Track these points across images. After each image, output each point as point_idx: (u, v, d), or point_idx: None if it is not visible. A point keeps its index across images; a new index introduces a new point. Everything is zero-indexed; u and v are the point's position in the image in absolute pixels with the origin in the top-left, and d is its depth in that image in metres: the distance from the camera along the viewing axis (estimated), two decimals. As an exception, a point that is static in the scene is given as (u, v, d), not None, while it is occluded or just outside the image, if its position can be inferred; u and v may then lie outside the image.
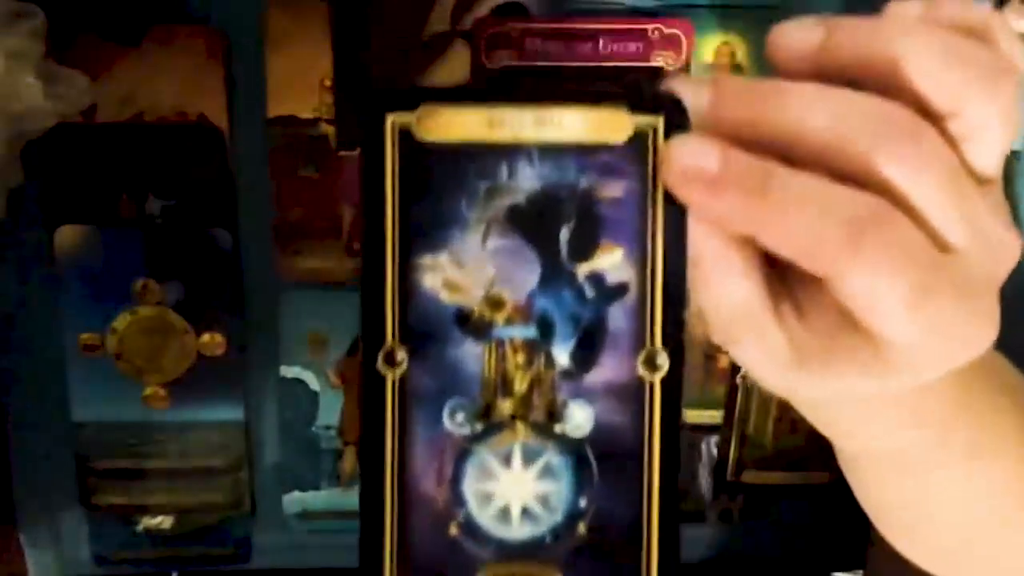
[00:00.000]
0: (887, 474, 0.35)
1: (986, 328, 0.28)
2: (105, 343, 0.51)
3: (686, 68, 0.49)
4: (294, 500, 0.55)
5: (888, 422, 0.33)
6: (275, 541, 0.56)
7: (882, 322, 0.26)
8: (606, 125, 0.27)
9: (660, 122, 0.27)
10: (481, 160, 0.27)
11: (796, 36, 0.28)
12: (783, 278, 0.29)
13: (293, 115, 0.49)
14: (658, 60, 0.49)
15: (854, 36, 0.27)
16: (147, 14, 0.48)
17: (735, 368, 0.54)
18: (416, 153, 0.27)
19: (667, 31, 0.48)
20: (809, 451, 0.56)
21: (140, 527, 0.55)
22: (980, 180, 0.27)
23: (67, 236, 0.50)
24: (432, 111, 0.27)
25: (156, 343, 0.51)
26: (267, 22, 0.48)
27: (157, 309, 0.51)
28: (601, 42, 0.48)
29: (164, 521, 0.55)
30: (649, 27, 0.48)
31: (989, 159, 0.27)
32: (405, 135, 0.27)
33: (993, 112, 0.26)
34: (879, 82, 0.27)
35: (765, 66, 0.29)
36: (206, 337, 0.52)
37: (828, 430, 0.34)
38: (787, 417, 0.55)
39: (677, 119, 0.27)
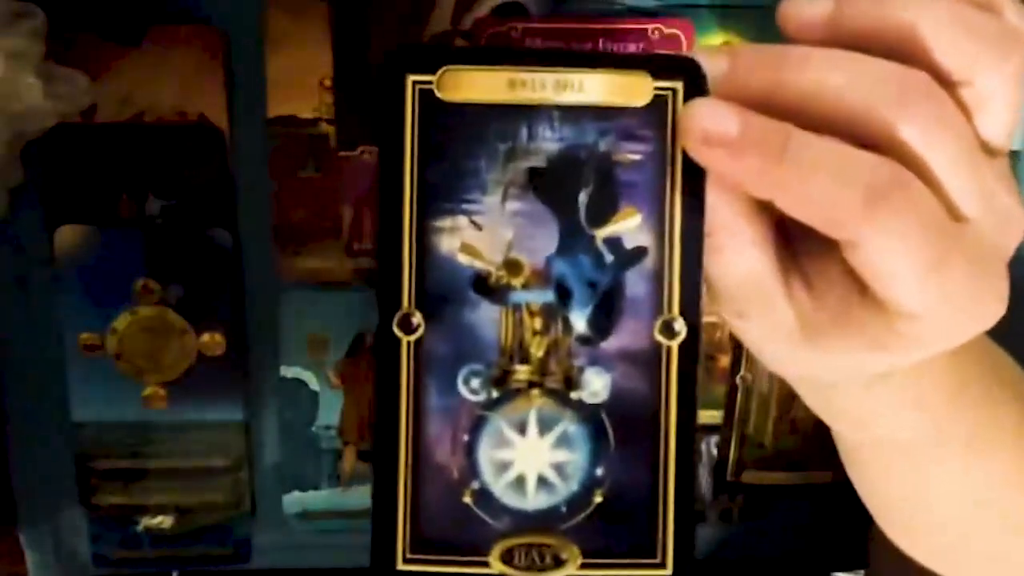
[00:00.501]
0: (888, 466, 0.36)
1: (995, 300, 0.28)
2: (105, 343, 0.51)
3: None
4: (294, 500, 0.55)
5: (889, 411, 0.33)
6: (275, 541, 0.56)
7: (895, 289, 0.26)
8: (627, 89, 0.27)
9: (680, 86, 0.27)
10: (501, 121, 0.27)
11: (807, 6, 0.28)
12: (793, 252, 0.29)
13: (293, 115, 0.49)
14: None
15: (865, 5, 0.27)
16: (147, 14, 0.48)
17: (735, 368, 0.54)
18: (436, 113, 0.27)
19: (667, 31, 0.48)
20: (809, 451, 0.56)
21: (140, 527, 0.55)
22: (989, 151, 0.27)
23: (67, 236, 0.50)
24: (453, 71, 0.27)
25: (156, 343, 0.51)
26: (267, 22, 0.48)
27: (157, 309, 0.51)
28: (601, 42, 0.48)
29: (164, 521, 0.55)
30: (649, 27, 0.48)
31: (998, 129, 0.27)
32: (425, 95, 0.27)
33: (1003, 81, 0.27)
34: (890, 52, 0.27)
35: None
36: (206, 337, 0.52)
37: (830, 417, 0.34)
38: (787, 417, 0.55)
39: (696, 84, 0.27)
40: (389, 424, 0.27)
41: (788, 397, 0.55)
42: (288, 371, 0.53)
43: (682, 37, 0.48)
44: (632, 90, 0.27)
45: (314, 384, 0.53)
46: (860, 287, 0.27)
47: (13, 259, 0.51)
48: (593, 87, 0.27)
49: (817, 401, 0.34)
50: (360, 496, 0.55)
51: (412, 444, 0.27)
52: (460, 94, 0.27)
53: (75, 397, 0.52)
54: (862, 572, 0.58)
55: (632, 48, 0.49)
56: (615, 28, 0.48)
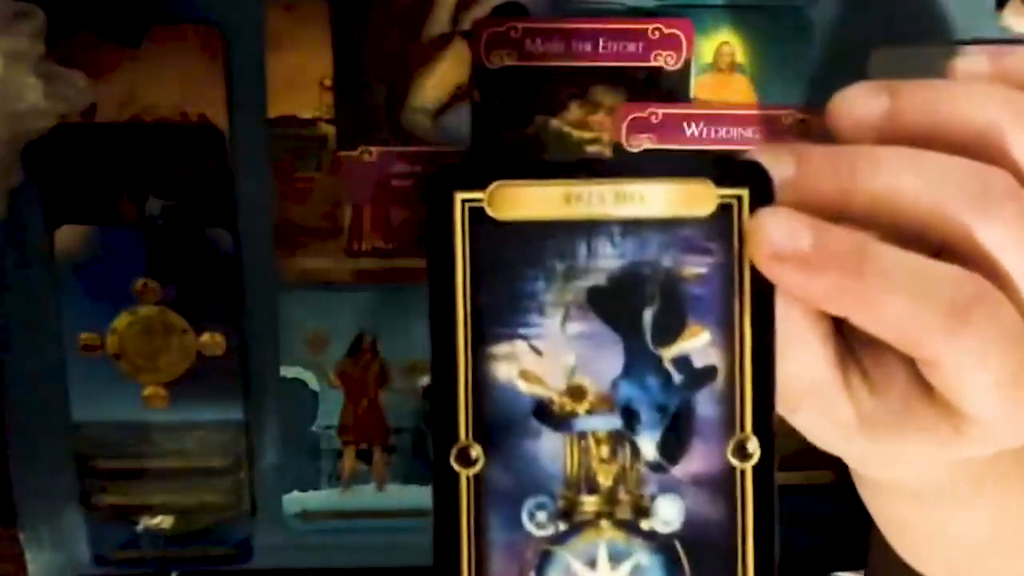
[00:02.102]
0: (913, 503, 0.35)
1: None
2: (105, 343, 0.51)
3: (686, 68, 0.49)
4: (294, 500, 0.55)
5: (923, 463, 0.32)
6: (275, 541, 0.56)
7: (971, 402, 0.25)
8: (689, 198, 0.25)
9: (745, 194, 0.25)
10: (558, 239, 0.25)
11: (860, 102, 0.26)
12: (851, 346, 0.28)
13: (293, 115, 0.49)
14: (658, 60, 0.49)
15: (929, 101, 0.26)
16: (147, 14, 0.48)
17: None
18: (488, 233, 0.25)
19: (667, 31, 0.48)
20: (809, 451, 0.55)
21: (140, 527, 0.55)
22: None
23: (67, 236, 0.50)
24: (505, 187, 0.25)
25: (156, 343, 0.51)
26: (267, 22, 0.48)
27: (157, 309, 0.51)
28: (601, 42, 0.48)
29: (164, 521, 0.55)
30: (649, 27, 0.48)
31: None
32: (476, 214, 0.25)
33: None
34: (951, 150, 0.25)
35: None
36: (206, 337, 0.52)
37: (861, 468, 0.33)
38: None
39: (762, 190, 0.25)
40: (451, 563, 0.26)
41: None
42: (288, 371, 0.53)
43: (682, 37, 0.48)
44: (695, 199, 0.25)
45: (314, 384, 0.53)
46: (924, 385, 0.26)
47: (13, 259, 0.51)
48: (654, 198, 0.25)
49: (847, 455, 0.33)
50: (360, 496, 0.55)
51: None
52: (513, 211, 0.25)
53: (75, 397, 0.52)
54: (862, 572, 0.58)
55: (631, 48, 0.49)
56: (615, 28, 0.48)
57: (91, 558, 0.55)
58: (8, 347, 0.52)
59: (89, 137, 0.49)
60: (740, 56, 0.49)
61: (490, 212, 0.25)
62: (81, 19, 0.47)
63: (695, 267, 0.26)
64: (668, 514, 0.26)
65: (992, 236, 0.25)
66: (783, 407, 0.28)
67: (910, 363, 0.27)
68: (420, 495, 0.55)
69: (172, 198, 0.50)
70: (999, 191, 0.25)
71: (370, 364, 0.53)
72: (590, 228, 0.25)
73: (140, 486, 0.54)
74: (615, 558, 0.26)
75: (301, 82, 0.49)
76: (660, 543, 0.26)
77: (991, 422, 0.26)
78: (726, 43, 0.49)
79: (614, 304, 0.26)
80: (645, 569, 0.26)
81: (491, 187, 0.25)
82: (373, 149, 0.50)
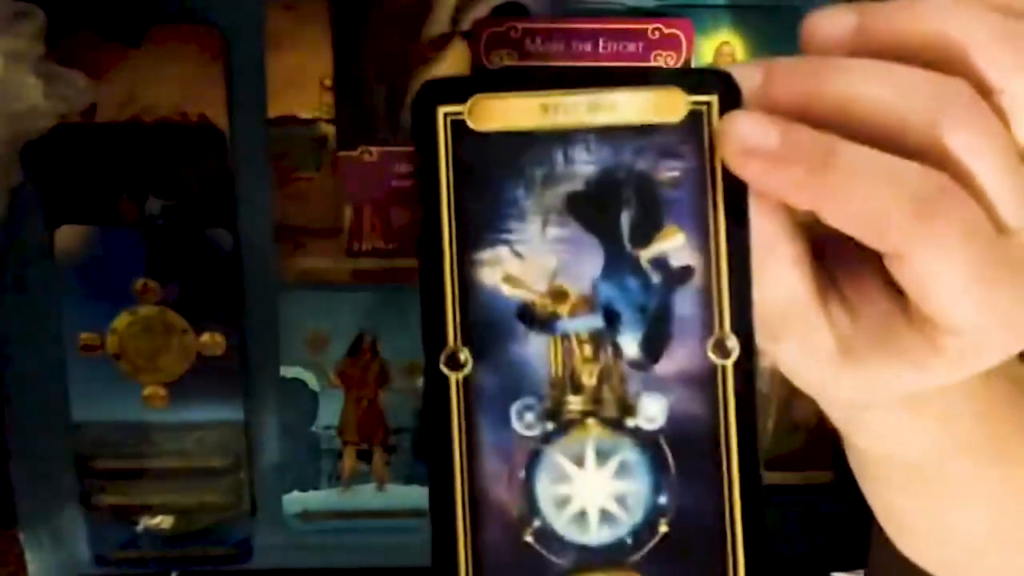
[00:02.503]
0: (905, 480, 0.35)
1: None
2: (105, 343, 0.51)
3: (686, 68, 0.49)
4: (294, 500, 0.55)
5: (920, 429, 0.32)
6: (275, 541, 0.56)
7: (940, 302, 0.26)
8: (661, 106, 0.27)
9: (715, 99, 0.26)
10: (536, 147, 0.26)
11: (830, 20, 0.27)
12: (830, 273, 0.29)
13: (293, 115, 0.49)
14: (658, 60, 0.49)
15: (892, 18, 0.27)
16: (147, 14, 0.48)
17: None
18: (470, 144, 0.26)
19: (667, 31, 0.48)
20: (809, 451, 0.56)
21: (140, 527, 0.55)
22: None
23: (67, 236, 0.50)
24: (484, 100, 0.26)
25: (156, 343, 0.51)
26: (267, 22, 0.48)
27: (157, 309, 0.51)
28: (601, 42, 0.48)
29: (164, 521, 0.55)
30: (649, 27, 0.48)
31: None
32: (457, 126, 0.26)
33: None
34: (918, 61, 0.26)
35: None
36: (206, 337, 0.52)
37: (856, 436, 0.34)
38: (787, 417, 0.55)
39: (731, 97, 0.26)
40: (443, 466, 0.26)
41: (788, 397, 0.55)
42: (288, 371, 0.53)
43: (682, 37, 0.48)
44: (666, 107, 0.27)
45: (314, 384, 0.53)
46: (901, 305, 0.27)
47: (13, 259, 0.51)
48: (627, 107, 0.26)
49: (842, 419, 0.33)
50: (360, 496, 0.55)
51: (468, 484, 0.26)
52: (492, 123, 0.26)
53: (75, 397, 0.52)
54: (862, 572, 0.58)
55: (631, 48, 0.49)
56: (615, 28, 0.48)
57: (91, 558, 0.55)
58: (8, 347, 0.52)
59: (89, 137, 0.49)
60: (740, 56, 0.49)
61: (471, 124, 0.26)
62: (81, 19, 0.47)
63: (669, 171, 0.27)
64: (652, 411, 0.27)
65: (953, 143, 0.25)
66: (764, 337, 0.28)
67: (887, 285, 0.27)
68: (420, 495, 0.55)
69: (172, 198, 0.50)
70: (959, 100, 0.25)
71: (370, 364, 0.53)
72: (566, 137, 0.26)
73: (140, 486, 0.54)
74: (602, 455, 0.27)
75: (301, 82, 0.49)
76: (645, 440, 0.27)
77: (965, 332, 0.26)
78: (726, 43, 0.49)
79: (591, 208, 0.27)
80: (631, 465, 0.27)
81: (471, 100, 0.26)
82: (373, 149, 0.50)
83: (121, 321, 0.51)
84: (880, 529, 0.39)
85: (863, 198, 0.25)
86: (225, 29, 0.48)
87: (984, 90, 0.26)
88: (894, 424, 0.32)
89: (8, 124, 0.43)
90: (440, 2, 0.48)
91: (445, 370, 0.27)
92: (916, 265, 0.26)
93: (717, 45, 0.49)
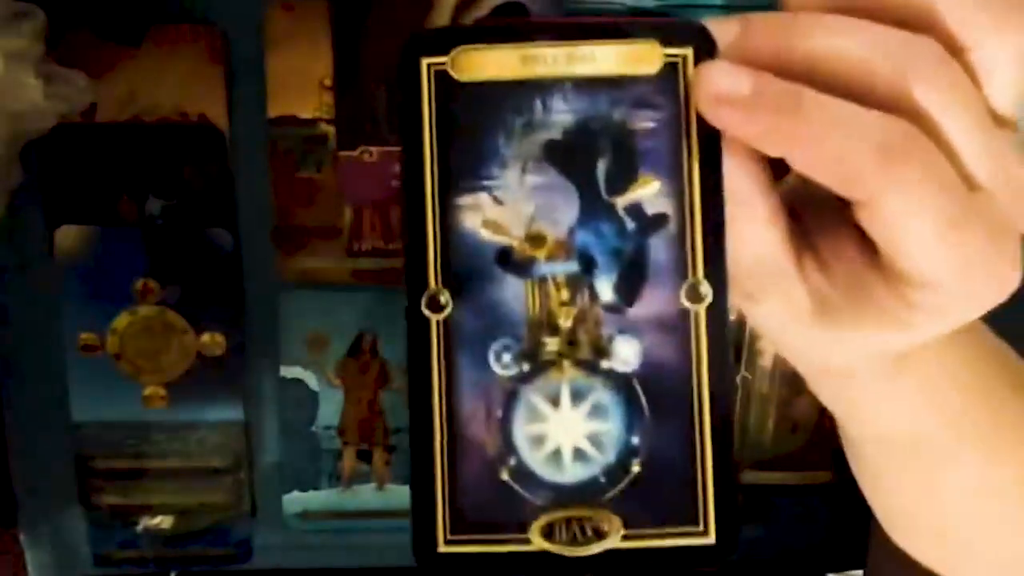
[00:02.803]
0: (898, 464, 0.35)
1: (1011, 269, 0.27)
2: (105, 343, 0.51)
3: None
4: (294, 500, 0.55)
5: (907, 407, 0.33)
6: (275, 541, 0.56)
7: (909, 253, 0.26)
8: (637, 58, 0.27)
9: (690, 52, 0.27)
10: (516, 97, 0.27)
11: None
12: (804, 231, 0.29)
13: (293, 115, 0.49)
14: (658, 60, 0.49)
15: None
16: (147, 14, 0.48)
17: (735, 368, 0.54)
18: (452, 93, 0.27)
19: (667, 31, 0.48)
20: (809, 451, 0.56)
21: (140, 527, 0.55)
22: (999, 120, 0.27)
23: (67, 236, 0.50)
24: (466, 51, 0.27)
25: (156, 343, 0.51)
26: (267, 22, 0.48)
27: (157, 309, 0.51)
28: (601, 42, 0.48)
29: (164, 521, 0.55)
30: (649, 27, 0.48)
31: (1007, 97, 0.27)
32: (440, 76, 0.27)
33: (1012, 47, 0.26)
34: (893, 21, 0.27)
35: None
36: (206, 337, 0.52)
37: (841, 412, 0.34)
38: (787, 417, 0.55)
39: (706, 50, 0.27)
40: (423, 404, 0.27)
41: (788, 397, 0.55)
42: (288, 371, 0.53)
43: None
44: (642, 59, 0.27)
45: (314, 384, 0.53)
46: (873, 261, 0.27)
47: (13, 259, 0.51)
48: (604, 58, 0.27)
49: (829, 395, 0.34)
50: (360, 496, 0.55)
51: (447, 423, 0.27)
52: (474, 73, 0.27)
53: (75, 397, 0.52)
54: (862, 572, 0.58)
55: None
56: (615, 28, 0.48)
57: (91, 558, 0.55)
58: (8, 347, 0.52)
59: (89, 137, 0.49)
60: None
61: (453, 74, 0.27)
62: (81, 19, 0.47)
63: (644, 121, 0.27)
64: (626, 354, 0.27)
65: (921, 99, 0.26)
66: (740, 296, 0.29)
67: (860, 242, 0.28)
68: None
69: (172, 198, 0.50)
70: (927, 57, 0.26)
71: (370, 364, 0.53)
72: (545, 87, 0.27)
73: (140, 486, 0.54)
74: (577, 396, 0.27)
75: (301, 82, 0.49)
76: (619, 382, 0.27)
77: (935, 285, 0.27)
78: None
79: (569, 156, 0.27)
80: (605, 407, 0.27)
81: (454, 52, 0.27)
82: (373, 149, 0.50)
83: (121, 321, 0.51)
84: (879, 529, 0.40)
85: (831, 144, 0.26)
86: (225, 29, 0.48)
87: (956, 49, 0.26)
88: (879, 399, 0.33)
89: (8, 124, 0.43)
90: (440, 2, 0.48)
91: (426, 312, 0.27)
92: (884, 213, 0.26)
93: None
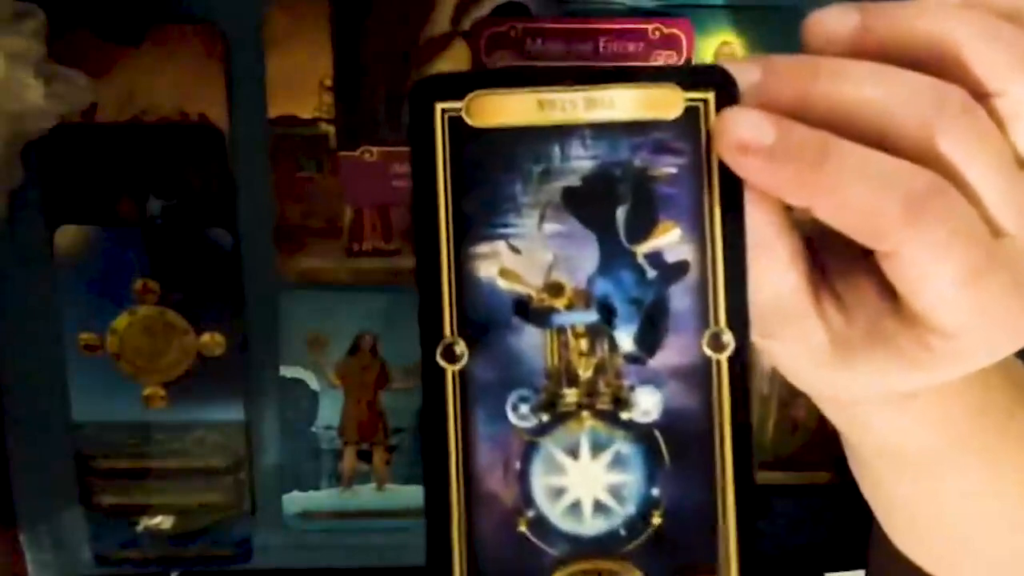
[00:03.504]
0: (901, 474, 0.35)
1: None
2: (105, 343, 0.51)
3: (686, 68, 0.49)
4: (294, 500, 0.55)
5: (911, 427, 0.32)
6: (275, 541, 0.56)
7: (931, 301, 0.26)
8: (657, 102, 0.27)
9: (711, 97, 0.27)
10: (533, 143, 0.27)
11: (832, 19, 0.27)
12: (823, 270, 0.29)
13: (293, 115, 0.49)
14: (658, 60, 0.49)
15: (893, 18, 0.27)
16: (147, 14, 0.48)
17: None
18: (467, 140, 0.27)
19: (667, 31, 0.48)
20: (809, 451, 0.56)
21: (140, 527, 0.55)
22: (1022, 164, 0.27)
23: (67, 236, 0.50)
24: (481, 96, 0.27)
25: (156, 343, 0.51)
26: (267, 22, 0.48)
27: (157, 309, 0.51)
28: (601, 42, 0.48)
29: (164, 521, 0.55)
30: (649, 27, 0.48)
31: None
32: (455, 122, 0.27)
33: None
34: (917, 65, 0.26)
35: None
36: (206, 337, 0.52)
37: (850, 431, 0.34)
38: (787, 417, 0.55)
39: (728, 94, 0.27)
40: (439, 457, 0.27)
41: (788, 397, 0.55)
42: (288, 371, 0.53)
43: (682, 37, 0.48)
44: (663, 103, 0.27)
45: (314, 384, 0.53)
46: (893, 304, 0.27)
47: (13, 259, 0.51)
48: (623, 103, 0.27)
49: (839, 417, 0.33)
50: (360, 496, 0.55)
51: (463, 475, 0.27)
52: (489, 119, 0.27)
53: (75, 397, 0.52)
54: (862, 572, 0.58)
55: (632, 48, 0.49)
56: (615, 28, 0.48)
57: (91, 558, 0.55)
58: (8, 347, 0.52)
59: (89, 137, 0.49)
60: (740, 56, 0.49)
61: (468, 120, 0.27)
62: (81, 19, 0.47)
63: (665, 167, 0.27)
64: (647, 404, 0.27)
65: (947, 147, 0.26)
66: (758, 333, 0.29)
67: (880, 284, 0.27)
68: (420, 495, 0.55)
69: (172, 198, 0.50)
70: (953, 105, 0.26)
71: (370, 364, 0.53)
72: (563, 132, 0.27)
73: (140, 486, 0.54)
74: (597, 448, 0.27)
75: (301, 82, 0.49)
76: (640, 433, 0.27)
77: (955, 333, 0.26)
78: (726, 43, 0.49)
79: (588, 204, 0.27)
80: (626, 458, 0.27)
81: (468, 97, 0.27)
82: (373, 149, 0.50)
83: (121, 321, 0.51)
84: (880, 529, 0.39)
85: (856, 195, 0.25)
86: (225, 29, 0.48)
87: (981, 94, 0.26)
88: (889, 421, 0.33)
89: (8, 124, 0.43)
90: (440, 2, 0.48)
91: (441, 362, 0.27)
92: (907, 264, 0.26)
93: (717, 45, 0.49)
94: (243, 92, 0.49)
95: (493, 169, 0.27)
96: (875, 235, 0.26)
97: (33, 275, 0.51)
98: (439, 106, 0.27)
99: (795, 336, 0.28)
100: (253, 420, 0.54)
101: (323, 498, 0.55)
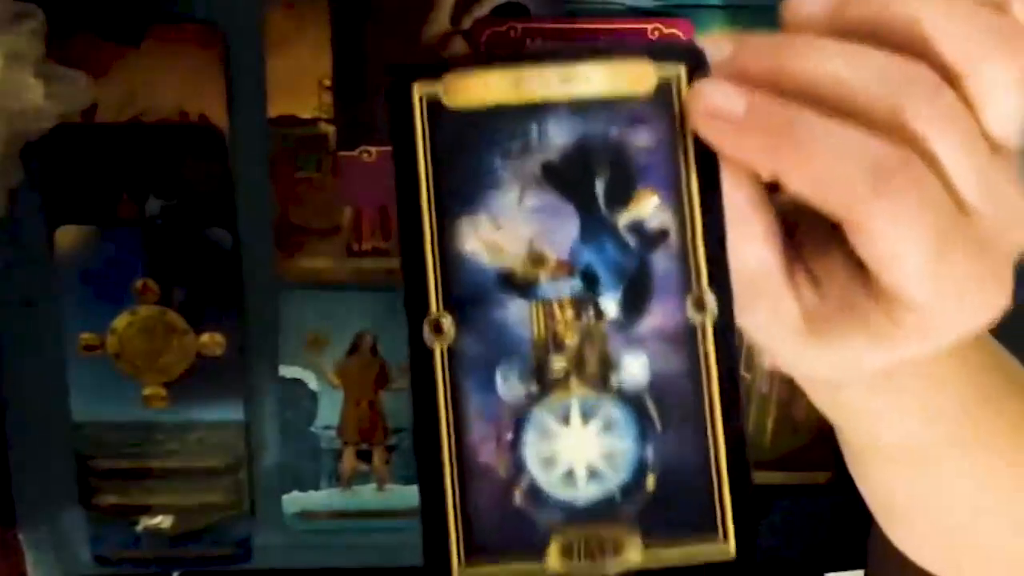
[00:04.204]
0: (896, 468, 0.35)
1: (1000, 293, 0.27)
2: (105, 343, 0.51)
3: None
4: (294, 500, 0.55)
5: (902, 415, 0.33)
6: (275, 541, 0.56)
7: (899, 274, 0.26)
8: (630, 77, 0.27)
9: (683, 70, 0.27)
10: (511, 120, 0.27)
11: (808, 1, 0.28)
12: (797, 247, 0.29)
13: (293, 115, 0.49)
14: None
15: (868, 0, 0.27)
16: (147, 14, 0.48)
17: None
18: (445, 120, 0.27)
19: (667, 31, 0.48)
20: (809, 451, 0.56)
21: (140, 527, 0.55)
22: (995, 147, 0.27)
23: (67, 236, 0.50)
24: (457, 77, 0.27)
25: (156, 343, 0.51)
26: (267, 22, 0.48)
27: (157, 309, 0.51)
28: (601, 42, 0.48)
29: (164, 521, 0.55)
30: (649, 27, 0.48)
31: (1003, 124, 0.27)
32: (433, 103, 0.27)
33: (1008, 75, 0.26)
34: (891, 46, 0.27)
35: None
36: (206, 337, 0.52)
37: (836, 418, 0.34)
38: (787, 417, 0.55)
39: (699, 68, 0.27)
40: (430, 431, 0.27)
41: (788, 397, 0.55)
42: (288, 371, 0.53)
43: (682, 37, 0.48)
44: (636, 79, 0.27)
45: (314, 384, 0.53)
46: (864, 279, 0.27)
47: (13, 259, 0.51)
48: (598, 78, 0.27)
49: (824, 401, 0.34)
50: (360, 496, 0.55)
51: (456, 449, 0.27)
52: (467, 99, 0.27)
53: (75, 397, 0.52)
54: (862, 572, 0.58)
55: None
56: (615, 28, 0.48)
57: (91, 558, 0.55)
58: (8, 347, 0.52)
59: (89, 137, 0.49)
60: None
61: (446, 101, 0.27)
62: (81, 19, 0.47)
63: (641, 139, 0.27)
64: (634, 369, 0.27)
65: (914, 124, 0.26)
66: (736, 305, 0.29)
67: (851, 259, 0.28)
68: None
69: (172, 198, 0.50)
70: (920, 84, 0.26)
71: (370, 364, 0.53)
72: (539, 109, 0.27)
73: (140, 486, 0.54)
74: (587, 413, 0.27)
75: (301, 82, 0.49)
76: (628, 397, 0.27)
77: (924, 306, 0.27)
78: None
79: (567, 177, 0.27)
80: (617, 422, 0.27)
81: (445, 78, 0.27)
82: (373, 149, 0.50)
83: (121, 321, 0.51)
84: (879, 529, 0.40)
85: (823, 166, 0.26)
86: (225, 29, 0.48)
87: (952, 76, 0.26)
88: (874, 410, 0.33)
89: (8, 124, 0.43)
90: (440, 2, 0.48)
91: (429, 338, 0.27)
92: (875, 236, 0.26)
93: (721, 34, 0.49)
94: (243, 92, 0.49)
95: (472, 147, 0.27)
96: (842, 207, 0.26)
97: (33, 275, 0.51)
98: (416, 87, 0.27)
99: (767, 309, 0.29)
100: (253, 420, 0.54)
101: (323, 498, 0.55)
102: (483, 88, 0.27)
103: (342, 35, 0.49)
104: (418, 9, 0.49)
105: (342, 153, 0.50)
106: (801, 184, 0.26)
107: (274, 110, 0.49)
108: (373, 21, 0.49)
